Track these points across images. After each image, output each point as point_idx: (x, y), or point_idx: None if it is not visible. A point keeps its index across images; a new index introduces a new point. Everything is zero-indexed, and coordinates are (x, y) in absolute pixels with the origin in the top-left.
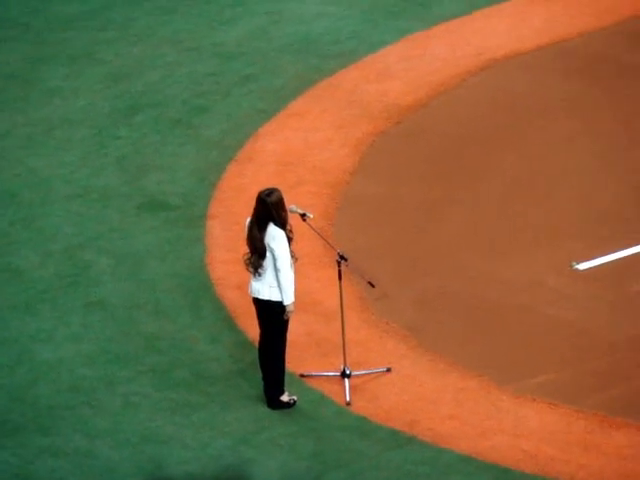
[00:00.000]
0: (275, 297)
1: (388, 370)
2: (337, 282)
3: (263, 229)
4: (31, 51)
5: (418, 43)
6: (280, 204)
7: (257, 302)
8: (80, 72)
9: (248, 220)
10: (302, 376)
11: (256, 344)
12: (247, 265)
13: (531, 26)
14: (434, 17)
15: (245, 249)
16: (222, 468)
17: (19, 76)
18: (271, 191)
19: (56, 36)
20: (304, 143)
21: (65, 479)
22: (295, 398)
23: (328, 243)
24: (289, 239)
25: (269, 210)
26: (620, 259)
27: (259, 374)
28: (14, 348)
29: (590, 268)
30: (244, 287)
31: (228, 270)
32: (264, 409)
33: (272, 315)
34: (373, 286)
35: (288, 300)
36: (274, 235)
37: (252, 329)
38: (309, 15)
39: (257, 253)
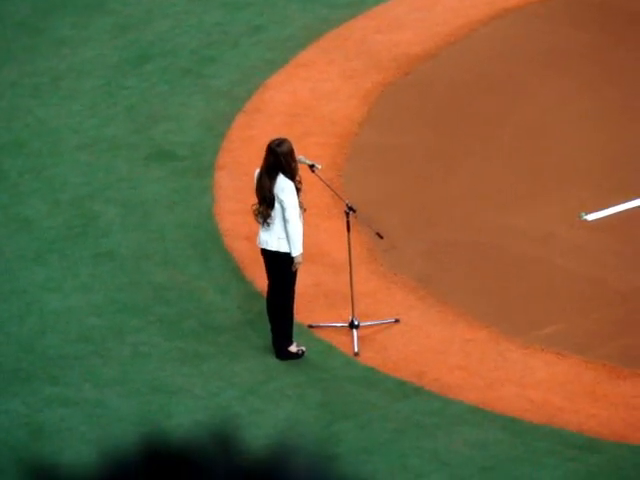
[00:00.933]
0: (283, 248)
1: (396, 321)
2: (345, 233)
3: (273, 179)
4: (40, 0)
5: None
6: (290, 154)
7: (265, 253)
8: (89, 22)
9: (257, 171)
10: (310, 327)
11: (264, 295)
12: (255, 215)
13: None
14: None
15: (254, 200)
16: (230, 418)
17: (28, 25)
18: (281, 141)
19: None
20: (312, 94)
21: (74, 428)
22: (304, 349)
23: (336, 194)
24: (298, 190)
25: (279, 160)
26: (629, 210)
27: (267, 325)
28: (23, 298)
29: (599, 219)
30: (252, 238)
31: (236, 221)
32: (272, 360)
33: (280, 266)
34: (382, 237)
35: (296, 251)
36: (283, 187)
37: (260, 280)
38: None
39: (266, 202)
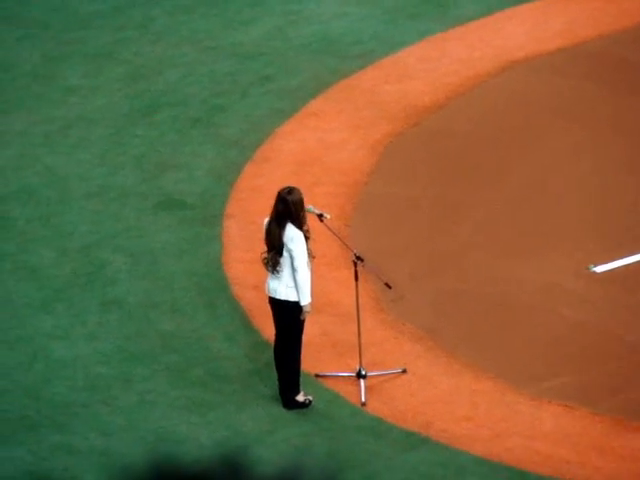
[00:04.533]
0: (292, 297)
1: (404, 371)
2: (353, 283)
3: (282, 227)
4: (51, 49)
5: (437, 44)
6: (300, 203)
7: (274, 302)
8: (99, 71)
9: (266, 220)
10: (317, 376)
11: (272, 344)
12: (265, 263)
13: (551, 28)
14: (453, 19)
15: (262, 248)
16: (236, 467)
17: (38, 74)
18: (291, 189)
19: (76, 34)
20: (321, 143)
21: (79, 477)
22: (311, 398)
23: (344, 244)
24: (306, 238)
25: (289, 208)
26: (638, 262)
27: (274, 374)
28: (30, 346)
29: (607, 271)
30: (260, 287)
31: (245, 269)
32: (279, 409)
33: (289, 315)
34: (389, 287)
35: (305, 300)
36: (292, 236)
37: (268, 329)
38: (328, 15)
39: (274, 250)
